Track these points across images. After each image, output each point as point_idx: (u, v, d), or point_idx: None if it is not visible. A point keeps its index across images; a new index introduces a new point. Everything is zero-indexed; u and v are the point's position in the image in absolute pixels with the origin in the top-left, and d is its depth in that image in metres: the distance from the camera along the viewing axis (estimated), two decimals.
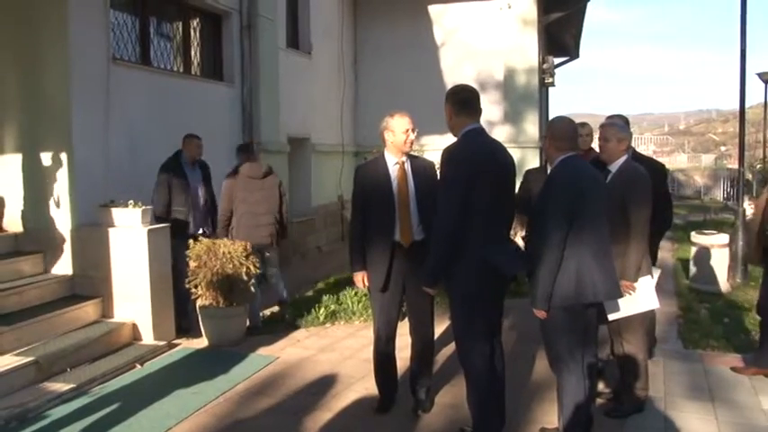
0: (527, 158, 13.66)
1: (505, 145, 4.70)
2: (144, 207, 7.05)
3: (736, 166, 28.64)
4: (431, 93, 12.90)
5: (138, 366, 6.48)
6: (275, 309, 8.21)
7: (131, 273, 6.99)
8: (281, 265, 8.32)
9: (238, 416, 5.29)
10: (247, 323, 7.47)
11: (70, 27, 7.14)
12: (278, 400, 5.63)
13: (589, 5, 15.97)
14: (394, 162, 4.99)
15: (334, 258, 12.27)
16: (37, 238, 7.37)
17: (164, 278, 7.18)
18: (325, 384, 5.95)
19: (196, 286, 6.97)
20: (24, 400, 5.51)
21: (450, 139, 4.50)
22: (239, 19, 10.61)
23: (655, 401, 5.37)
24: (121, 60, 8.22)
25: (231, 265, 6.94)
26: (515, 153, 5.00)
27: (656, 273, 5.09)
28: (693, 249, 10.14)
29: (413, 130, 5.00)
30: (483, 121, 4.62)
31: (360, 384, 5.88)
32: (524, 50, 14.55)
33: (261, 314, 7.98)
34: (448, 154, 4.36)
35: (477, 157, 4.29)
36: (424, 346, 5.22)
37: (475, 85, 4.74)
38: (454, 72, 14.26)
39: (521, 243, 5.19)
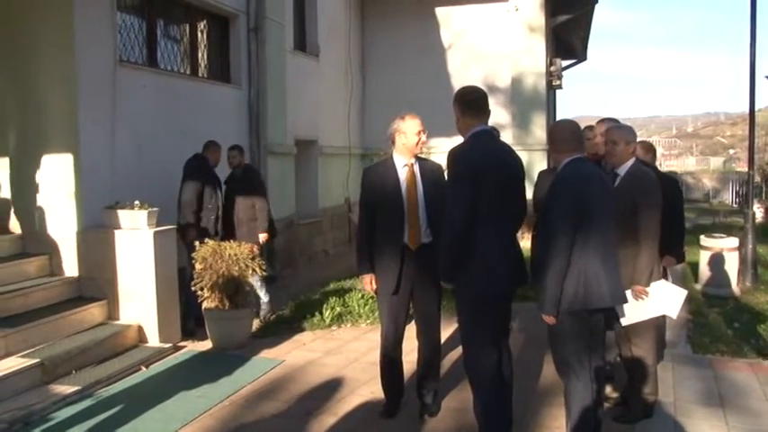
0: (535, 161, 13.60)
1: (513, 148, 4.66)
2: (150, 209, 7.03)
3: (744, 168, 28.55)
4: (438, 95, 12.87)
5: (144, 369, 6.46)
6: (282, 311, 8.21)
7: (137, 275, 6.97)
8: (288, 267, 8.32)
9: (243, 420, 5.26)
10: (253, 326, 7.45)
11: (76, 29, 7.14)
12: (283, 403, 5.59)
13: (597, 8, 15.92)
14: (403, 164, 4.96)
15: (341, 261, 12.24)
16: (43, 239, 7.36)
17: (169, 280, 7.16)
18: (330, 388, 5.91)
19: (202, 289, 6.95)
20: (29, 402, 5.49)
21: (457, 141, 4.47)
22: (246, 21, 10.60)
23: (664, 406, 5.32)
24: (128, 62, 8.20)
25: (237, 268, 6.91)
26: (523, 156, 4.95)
27: (681, 293, 5.03)
28: (703, 253, 10.07)
29: (423, 132, 4.97)
30: (490, 123, 4.57)
31: (366, 388, 5.84)
32: (532, 53, 14.51)
33: (265, 317, 8.02)
34: (454, 156, 4.32)
35: (483, 158, 4.25)
36: (430, 350, 5.17)
37: (482, 88, 4.69)
38: (461, 75, 14.21)
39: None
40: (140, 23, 8.70)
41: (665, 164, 43.07)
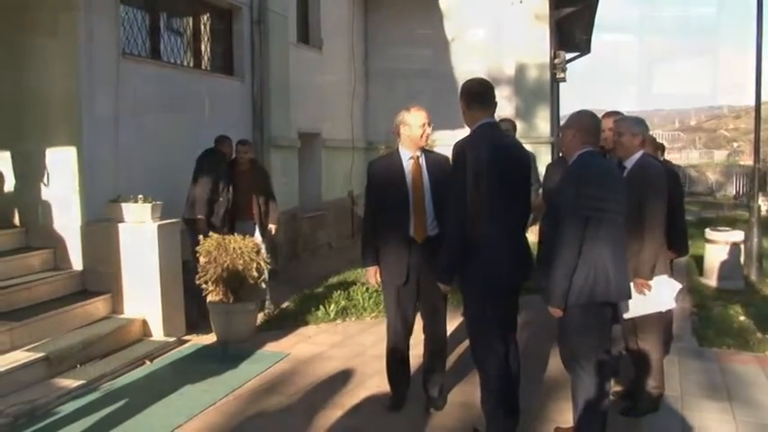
0: (539, 154, 13.55)
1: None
2: (154, 203, 7.01)
3: (747, 162, 28.42)
4: (442, 88, 12.86)
5: (148, 363, 6.45)
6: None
7: (141, 268, 6.96)
8: (291, 260, 8.31)
9: (248, 413, 5.25)
10: (258, 320, 7.43)
11: (79, 21, 7.11)
12: (289, 397, 5.58)
13: (600, 0, 15.88)
14: (408, 156, 4.93)
15: (345, 254, 12.21)
16: (47, 233, 7.34)
17: (174, 274, 7.15)
18: (336, 381, 5.90)
19: (206, 282, 6.92)
20: (34, 396, 5.47)
21: (462, 133, 4.44)
22: (250, 14, 10.55)
23: (670, 400, 5.30)
24: (131, 55, 8.17)
25: (242, 261, 6.88)
26: (526, 148, 4.91)
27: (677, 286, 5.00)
28: (707, 246, 10.04)
29: (429, 125, 4.94)
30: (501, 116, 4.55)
31: (371, 381, 5.82)
32: (536, 45, 14.45)
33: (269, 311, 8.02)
34: (458, 148, 4.30)
35: (488, 151, 4.22)
36: (436, 344, 5.16)
37: (488, 80, 4.65)
38: (465, 67, 14.16)
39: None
40: (144, 16, 8.66)
41: (668, 157, 42.87)
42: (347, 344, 7.00)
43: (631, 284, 4.40)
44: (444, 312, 5.09)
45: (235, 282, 6.89)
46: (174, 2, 9.43)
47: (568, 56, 17.66)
